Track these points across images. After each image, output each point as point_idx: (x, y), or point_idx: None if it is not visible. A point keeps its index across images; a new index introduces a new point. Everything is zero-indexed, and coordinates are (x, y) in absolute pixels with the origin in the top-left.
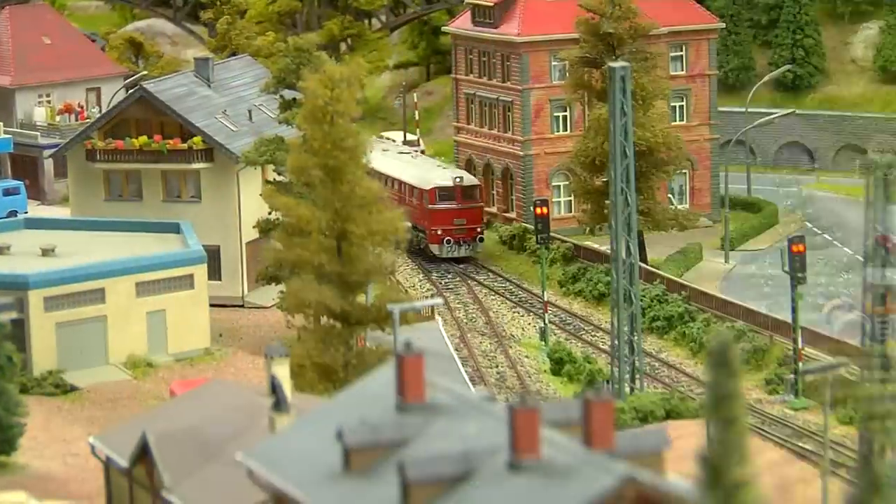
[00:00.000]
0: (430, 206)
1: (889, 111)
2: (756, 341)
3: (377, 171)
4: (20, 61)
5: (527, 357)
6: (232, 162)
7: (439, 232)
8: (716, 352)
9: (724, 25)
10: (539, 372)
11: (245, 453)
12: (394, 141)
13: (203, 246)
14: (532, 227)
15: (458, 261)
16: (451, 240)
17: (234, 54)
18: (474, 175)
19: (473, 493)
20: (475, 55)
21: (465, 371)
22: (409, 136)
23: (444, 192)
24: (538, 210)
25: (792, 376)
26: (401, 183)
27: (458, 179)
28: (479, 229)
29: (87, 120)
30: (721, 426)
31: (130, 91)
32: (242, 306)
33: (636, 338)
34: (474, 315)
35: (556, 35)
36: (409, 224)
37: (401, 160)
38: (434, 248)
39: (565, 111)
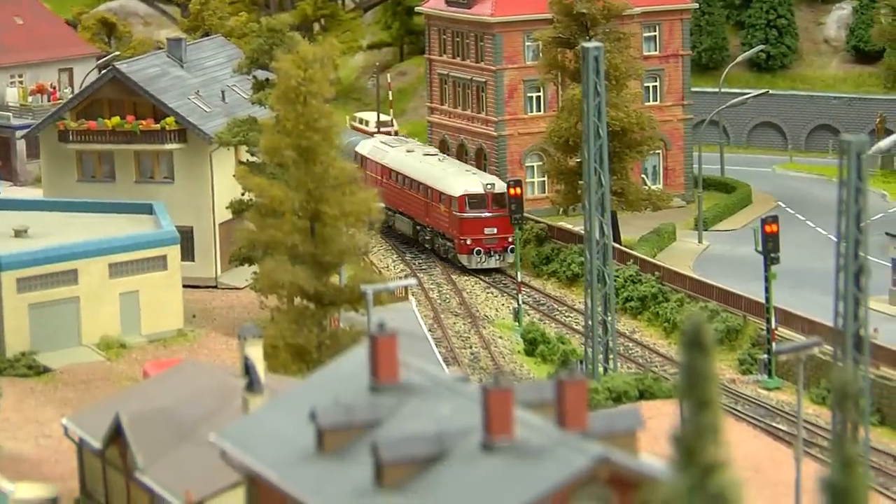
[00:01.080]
0: (458, 213)
1: (862, 91)
2: (729, 321)
3: (400, 173)
4: None
5: (500, 338)
6: (205, 143)
7: (469, 242)
8: (689, 332)
9: (697, 6)
10: (513, 352)
11: (218, 434)
12: (367, 122)
13: (176, 227)
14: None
15: (485, 272)
16: (482, 250)
17: (206, 35)
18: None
19: (447, 474)
20: (449, 36)
21: (439, 352)
22: (383, 117)
23: (473, 200)
24: (511, 191)
25: (765, 356)
26: (427, 188)
27: (489, 186)
28: (510, 239)
29: (60, 101)
30: (694, 406)
31: (103, 72)
32: (216, 287)
33: (610, 318)
34: (448, 296)
35: (529, 15)
36: (439, 232)
37: (426, 163)
38: (463, 259)
39: (539, 92)
